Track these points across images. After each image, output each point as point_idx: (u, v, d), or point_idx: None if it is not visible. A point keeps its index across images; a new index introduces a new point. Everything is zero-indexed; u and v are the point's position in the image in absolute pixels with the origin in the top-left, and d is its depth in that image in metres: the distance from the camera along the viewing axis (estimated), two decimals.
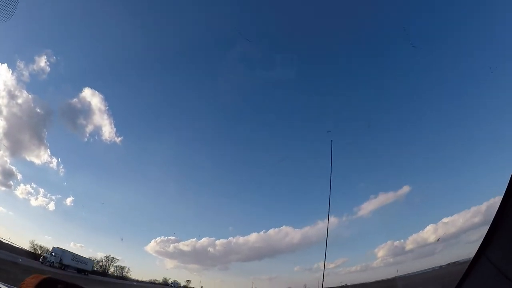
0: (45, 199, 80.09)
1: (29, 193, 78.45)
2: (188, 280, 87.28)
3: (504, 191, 0.97)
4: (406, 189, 74.76)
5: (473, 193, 70.77)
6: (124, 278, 63.52)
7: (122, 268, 65.75)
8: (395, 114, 74.46)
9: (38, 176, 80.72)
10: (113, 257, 64.29)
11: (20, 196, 72.84)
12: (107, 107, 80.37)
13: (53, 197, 79.93)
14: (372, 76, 72.58)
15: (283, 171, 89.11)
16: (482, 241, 1.07)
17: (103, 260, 63.68)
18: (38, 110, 71.12)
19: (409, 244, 71.64)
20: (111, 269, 64.88)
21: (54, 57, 69.85)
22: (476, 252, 1.11)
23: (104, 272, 61.08)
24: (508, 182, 0.93)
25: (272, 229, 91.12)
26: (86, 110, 79.03)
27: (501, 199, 0.97)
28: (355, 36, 69.79)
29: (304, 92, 74.39)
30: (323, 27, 68.84)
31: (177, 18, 70.83)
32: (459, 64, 64.05)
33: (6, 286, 1.34)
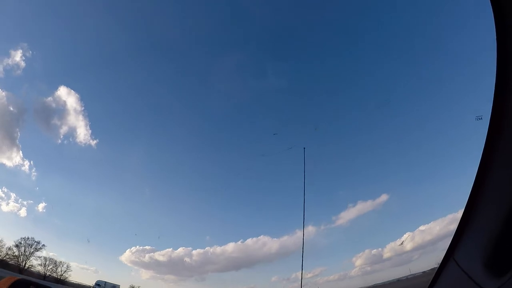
0: (17, 204, 74.26)
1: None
2: None
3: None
4: (384, 197, 75.88)
5: (449, 201, 72.07)
6: (62, 282, 52.75)
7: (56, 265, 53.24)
8: (376, 124, 77.00)
9: (10, 180, 74.46)
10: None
11: None
12: (83, 108, 76.17)
13: (25, 202, 74.76)
14: (354, 84, 75.14)
15: (262, 179, 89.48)
16: (450, 244, 1.09)
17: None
18: (11, 108, 66.38)
19: (387, 252, 72.10)
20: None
21: (30, 52, 66.38)
22: (444, 256, 1.12)
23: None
24: (473, 182, 0.94)
25: (250, 238, 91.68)
26: (61, 110, 75.20)
27: (467, 201, 0.99)
28: (346, 45, 71.95)
29: (290, 100, 75.31)
30: (315, 36, 70.53)
31: (166, 20, 70.50)
32: (440, 73, 67.06)
33: None
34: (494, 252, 0.86)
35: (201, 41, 75.70)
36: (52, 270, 52.61)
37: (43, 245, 52.34)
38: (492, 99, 0.86)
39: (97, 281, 49.53)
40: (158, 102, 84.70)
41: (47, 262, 52.37)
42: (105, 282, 49.45)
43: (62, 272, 53.15)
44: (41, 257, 51.09)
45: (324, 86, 75.52)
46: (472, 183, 0.94)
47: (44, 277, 47.79)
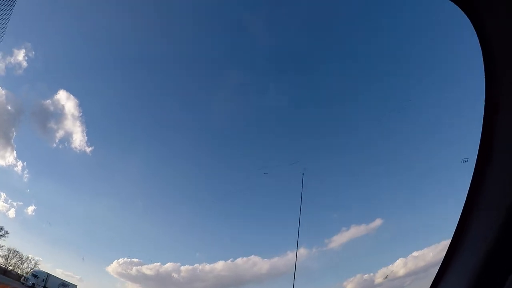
0: (6, 204, 70.44)
1: None
2: None
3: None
4: (378, 222, 75.11)
5: (443, 228, 72.93)
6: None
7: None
8: (375, 147, 74.53)
9: (1, 179, 71.82)
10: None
11: None
12: (81, 114, 74.28)
13: (14, 203, 71.10)
14: (355, 99, 73.91)
15: (255, 200, 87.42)
16: (434, 279, 1.10)
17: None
18: (9, 108, 64.20)
19: (378, 277, 74.14)
20: None
21: (33, 52, 63.83)
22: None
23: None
24: (459, 216, 0.97)
25: (240, 258, 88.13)
26: (58, 114, 72.74)
27: (453, 234, 1.00)
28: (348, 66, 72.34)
29: (290, 117, 71.83)
30: (316, 55, 68.29)
31: (172, 33, 68.43)
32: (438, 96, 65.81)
33: None
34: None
35: (205, 57, 73.92)
36: (16, 265, 48.18)
37: (6, 232, 46.81)
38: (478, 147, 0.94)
39: (34, 271, 41.05)
40: (158, 115, 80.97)
41: (10, 255, 48.34)
42: (47, 274, 40.23)
43: (29, 269, 47.24)
44: (3, 246, 46.33)
45: (323, 104, 73.08)
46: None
47: (4, 272, 43.37)
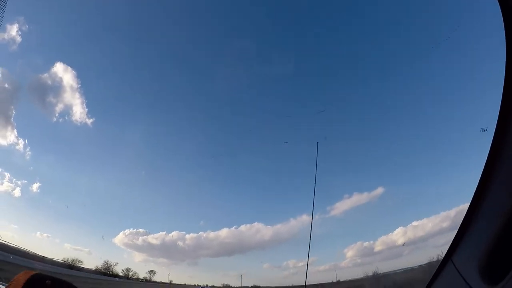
0: (11, 184, 70.02)
1: None
2: (151, 271, 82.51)
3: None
4: (380, 190, 72.33)
5: (443, 198, 72.11)
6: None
7: None
8: (379, 115, 74.35)
9: (4, 159, 71.09)
10: None
11: None
12: (80, 85, 71.28)
13: (19, 182, 71.13)
14: (360, 76, 71.01)
15: (260, 166, 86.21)
16: (450, 246, 1.09)
17: None
18: (6, 86, 62.08)
19: (378, 245, 70.88)
20: None
21: (27, 26, 61.35)
22: (444, 257, 1.13)
23: None
24: (476, 186, 0.95)
25: (244, 225, 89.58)
26: (56, 87, 70.67)
27: (469, 203, 0.98)
28: (354, 34, 66.88)
29: (296, 85, 70.62)
30: (321, 22, 65.51)
31: (172, 4, 66.65)
32: (447, 71, 63.99)
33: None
34: (491, 259, 0.88)
35: (208, 24, 72.12)
36: None
37: None
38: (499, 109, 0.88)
39: None
40: (159, 81, 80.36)
41: None
42: None
43: None
44: None
45: (331, 72, 70.41)
46: (474, 186, 0.97)
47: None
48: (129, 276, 76.91)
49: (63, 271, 37.08)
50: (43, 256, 37.79)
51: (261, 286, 60.95)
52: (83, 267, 55.79)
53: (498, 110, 0.87)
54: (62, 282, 0.89)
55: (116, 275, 67.68)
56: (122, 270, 76.52)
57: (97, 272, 62.77)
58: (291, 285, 56.41)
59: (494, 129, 0.88)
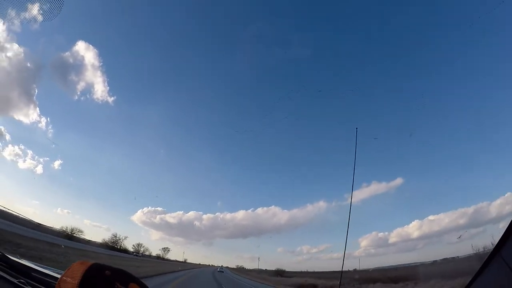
0: (33, 161, 76.68)
1: (17, 154, 74.94)
2: (164, 248, 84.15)
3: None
4: (399, 181, 73.67)
5: (462, 196, 74.73)
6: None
7: None
8: (404, 106, 72.09)
9: (27, 137, 74.74)
10: None
11: (8, 158, 68.49)
12: (101, 64, 73.47)
13: (41, 159, 76.69)
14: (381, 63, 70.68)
15: (279, 151, 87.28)
16: (499, 240, 1.08)
17: None
18: (29, 65, 63.68)
19: (393, 237, 72.31)
20: None
21: (48, 4, 61.46)
22: (492, 251, 1.11)
23: None
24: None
25: (261, 208, 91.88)
26: (78, 66, 72.41)
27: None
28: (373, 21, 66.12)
29: (315, 71, 71.11)
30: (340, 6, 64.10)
31: None
32: (467, 65, 62.23)
33: (53, 271, 1.47)
34: None
35: (228, 7, 71.14)
36: None
37: None
38: None
39: None
40: (180, 62, 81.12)
41: None
42: None
43: None
44: None
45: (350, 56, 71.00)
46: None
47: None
48: (140, 252, 74.95)
49: (59, 241, 33.38)
50: (39, 224, 34.71)
51: (286, 270, 58.94)
52: (84, 238, 53.20)
53: None
54: (122, 272, 0.87)
55: (125, 250, 65.11)
56: (133, 246, 75.09)
57: (103, 245, 60.33)
58: (323, 270, 53.29)
59: None
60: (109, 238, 66.39)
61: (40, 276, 1.35)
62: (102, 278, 0.79)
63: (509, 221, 1.01)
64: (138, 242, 76.83)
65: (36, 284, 1.27)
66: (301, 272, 56.93)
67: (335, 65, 72.23)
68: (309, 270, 59.05)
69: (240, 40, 72.84)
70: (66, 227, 52.30)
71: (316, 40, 68.97)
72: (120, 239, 67.50)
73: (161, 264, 45.42)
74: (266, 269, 63.69)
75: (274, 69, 76.63)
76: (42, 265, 1.64)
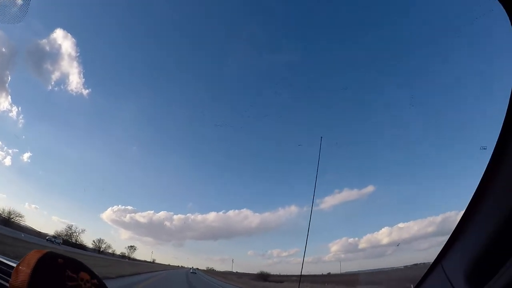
0: (2, 152, 71.08)
1: None
2: (131, 246, 78.08)
3: (464, 206, 1.01)
4: (370, 188, 75.99)
5: (431, 204, 75.57)
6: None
7: None
8: (380, 115, 74.68)
9: None
10: None
11: None
12: (78, 54, 70.95)
13: (10, 151, 72.50)
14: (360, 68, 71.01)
15: (254, 154, 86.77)
16: (441, 250, 1.11)
17: None
18: (3, 50, 60.84)
19: (363, 243, 74.48)
20: None
21: None
22: (434, 260, 1.14)
23: None
24: (473, 193, 0.96)
25: (232, 210, 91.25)
26: (54, 54, 69.85)
27: (464, 210, 1.01)
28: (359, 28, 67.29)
29: (301, 73, 71.61)
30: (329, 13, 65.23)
31: None
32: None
33: (9, 260, 1.42)
34: (478, 266, 0.91)
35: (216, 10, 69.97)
36: None
37: None
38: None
39: None
40: (161, 61, 79.52)
41: None
42: None
43: None
44: None
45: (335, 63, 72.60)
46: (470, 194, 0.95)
47: None
48: (101, 249, 65.07)
49: None
50: None
51: (271, 273, 55.14)
52: (28, 226, 43.17)
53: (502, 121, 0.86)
54: (74, 261, 0.89)
55: (81, 245, 55.08)
56: (93, 242, 65.06)
57: (55, 238, 50.09)
58: (292, 274, 52.01)
59: (495, 142, 0.88)
60: (62, 230, 55.96)
61: None
62: (54, 266, 0.81)
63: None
64: (98, 238, 66.84)
65: None
66: (287, 276, 51.02)
67: (308, 74, 73.31)
68: (282, 274, 57.33)
69: (219, 38, 71.79)
70: (3, 210, 42.58)
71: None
72: (75, 232, 57.22)
73: (118, 265, 32.90)
74: (261, 272, 57.19)
75: (254, 70, 76.26)
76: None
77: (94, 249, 63.41)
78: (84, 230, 59.19)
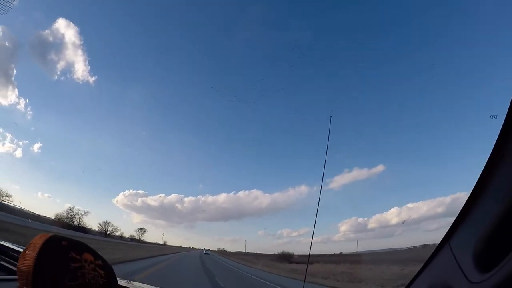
0: (12, 145, 72.86)
1: None
2: (141, 229, 76.29)
3: (471, 187, 0.98)
4: (380, 168, 75.34)
5: (441, 184, 77.18)
6: None
7: None
8: (392, 94, 73.03)
9: (5, 119, 69.79)
10: None
11: None
12: (82, 42, 69.86)
13: (20, 142, 74.17)
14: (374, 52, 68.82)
15: (263, 134, 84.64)
16: (449, 229, 1.08)
17: None
18: (7, 44, 58.70)
19: (372, 223, 75.31)
20: None
21: None
22: (442, 239, 1.11)
23: None
24: (480, 174, 0.93)
25: (242, 191, 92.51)
26: (58, 44, 68.83)
27: (472, 188, 0.98)
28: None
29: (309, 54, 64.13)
30: None
31: None
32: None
33: (17, 246, 1.49)
34: (487, 246, 0.89)
35: None
36: None
37: None
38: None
39: None
40: (167, 42, 77.27)
41: None
42: None
43: None
44: None
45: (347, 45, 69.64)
46: (478, 175, 0.93)
47: None
48: (107, 232, 60.53)
49: None
50: None
51: (293, 254, 50.50)
52: (15, 206, 37.51)
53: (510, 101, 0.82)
54: (78, 243, 0.91)
55: (83, 229, 50.05)
56: (99, 224, 60.38)
57: (55, 223, 44.90)
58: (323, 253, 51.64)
59: (504, 118, 0.84)
60: (63, 212, 50.76)
61: (7, 252, 1.40)
62: (58, 249, 0.84)
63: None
64: (104, 220, 62.29)
65: (3, 259, 1.35)
66: (317, 256, 45.68)
67: (321, 50, 67.74)
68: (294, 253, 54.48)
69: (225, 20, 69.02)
70: None
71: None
72: (77, 214, 52.00)
73: (115, 249, 25.90)
74: (283, 251, 52.93)
75: (265, 49, 73.55)
76: (9, 242, 1.59)
77: (100, 232, 59.07)
78: (88, 212, 54.25)
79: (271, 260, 45.40)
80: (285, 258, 47.06)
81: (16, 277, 0.86)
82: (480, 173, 0.93)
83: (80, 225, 51.49)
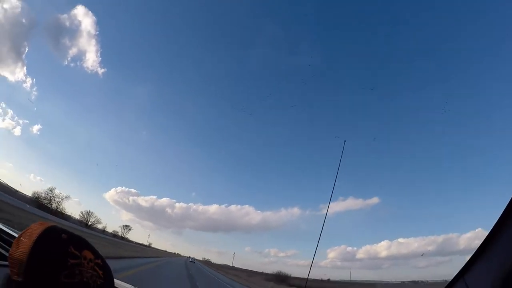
0: (12, 122, 72.30)
1: None
2: (126, 226, 73.60)
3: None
4: (375, 200, 77.02)
5: (434, 224, 77.28)
6: None
7: None
8: (389, 128, 75.15)
9: (9, 95, 70.55)
10: None
11: None
12: (97, 32, 71.79)
13: (21, 121, 73.91)
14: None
15: (262, 151, 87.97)
16: (465, 264, 1.09)
17: None
18: (24, 20, 59.92)
19: (361, 253, 76.37)
20: None
21: None
22: (457, 274, 1.13)
23: None
24: (502, 212, 0.92)
25: (235, 205, 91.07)
26: (73, 30, 71.02)
27: (493, 225, 0.97)
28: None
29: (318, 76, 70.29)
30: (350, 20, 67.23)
31: None
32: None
33: (11, 230, 1.41)
34: (503, 285, 0.89)
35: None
36: None
37: None
38: None
39: None
40: (179, 47, 79.59)
41: None
42: None
43: None
44: None
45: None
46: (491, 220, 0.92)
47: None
48: (89, 223, 55.10)
49: None
50: None
51: (290, 275, 42.99)
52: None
53: None
54: (79, 238, 0.85)
55: (60, 213, 44.75)
56: (81, 213, 55.10)
57: (32, 201, 39.99)
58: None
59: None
60: (42, 192, 45.71)
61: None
62: (57, 241, 0.78)
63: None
64: (87, 210, 57.08)
65: None
66: (314, 281, 40.21)
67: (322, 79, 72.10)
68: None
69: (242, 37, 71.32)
70: None
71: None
72: (57, 197, 46.86)
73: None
74: (278, 271, 49.13)
75: (266, 69, 76.45)
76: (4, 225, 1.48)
77: (80, 222, 53.71)
78: (69, 197, 49.09)
79: (266, 280, 40.29)
80: (281, 279, 41.39)
81: (6, 262, 0.77)
82: (503, 210, 0.89)
83: (58, 209, 46.24)
